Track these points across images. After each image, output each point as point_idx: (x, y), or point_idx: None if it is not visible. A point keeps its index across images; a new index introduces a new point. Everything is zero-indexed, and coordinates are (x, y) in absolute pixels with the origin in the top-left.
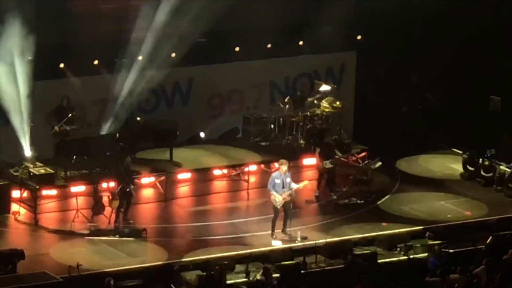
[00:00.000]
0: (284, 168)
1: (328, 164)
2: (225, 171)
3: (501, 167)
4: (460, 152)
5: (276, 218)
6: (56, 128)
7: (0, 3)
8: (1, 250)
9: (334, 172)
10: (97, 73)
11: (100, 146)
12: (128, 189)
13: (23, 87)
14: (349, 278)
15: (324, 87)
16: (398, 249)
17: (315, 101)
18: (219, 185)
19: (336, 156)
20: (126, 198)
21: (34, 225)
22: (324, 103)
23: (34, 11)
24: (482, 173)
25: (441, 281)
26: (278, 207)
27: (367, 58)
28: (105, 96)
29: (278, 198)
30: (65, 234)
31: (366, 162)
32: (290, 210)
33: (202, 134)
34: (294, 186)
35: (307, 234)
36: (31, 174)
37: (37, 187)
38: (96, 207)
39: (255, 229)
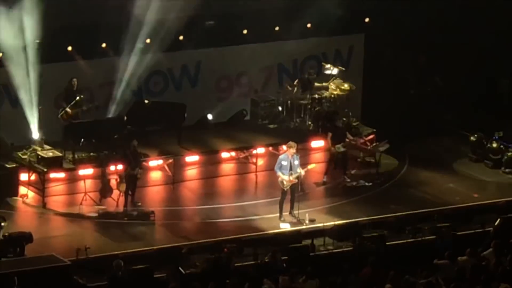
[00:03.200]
0: (292, 150)
1: (341, 148)
2: (233, 153)
3: (510, 149)
4: (468, 134)
5: (283, 201)
6: (68, 109)
7: None
8: (9, 233)
9: (347, 155)
10: (105, 55)
11: (108, 129)
12: (134, 172)
13: (31, 70)
14: (357, 260)
15: (330, 70)
16: (407, 231)
17: (323, 84)
18: (227, 167)
19: (347, 140)
20: (132, 181)
21: (42, 208)
22: (332, 86)
23: None
24: (490, 155)
25: (450, 264)
26: (285, 189)
27: (375, 40)
28: (113, 79)
29: (284, 180)
30: (73, 217)
31: (374, 144)
32: (297, 193)
33: (209, 116)
34: (300, 171)
35: (315, 216)
36: (39, 157)
37: (45, 170)
38: (104, 190)
39: (263, 212)
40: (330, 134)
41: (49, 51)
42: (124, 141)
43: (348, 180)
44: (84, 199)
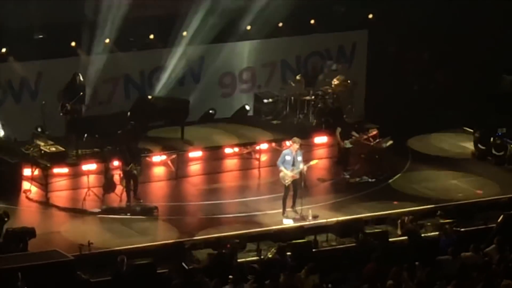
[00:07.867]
0: (296, 146)
1: (348, 144)
2: (236, 149)
3: None
4: (472, 130)
5: (287, 196)
6: (68, 106)
7: None
8: (12, 228)
9: (350, 152)
10: (108, 51)
11: (111, 125)
12: (127, 168)
13: (34, 65)
14: (360, 256)
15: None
16: None
17: (326, 80)
18: (231, 163)
19: (353, 136)
20: (132, 178)
21: (46, 203)
22: (336, 82)
23: None
24: (494, 151)
25: (453, 260)
26: (286, 184)
27: (378, 36)
28: (117, 75)
29: (287, 175)
30: (76, 212)
31: (377, 140)
32: (300, 188)
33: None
34: (302, 166)
35: (318, 212)
36: (43, 152)
37: (49, 165)
38: (107, 185)
39: (266, 208)
40: (339, 129)
41: (52, 46)
42: (127, 137)
43: (348, 176)
44: (87, 195)
